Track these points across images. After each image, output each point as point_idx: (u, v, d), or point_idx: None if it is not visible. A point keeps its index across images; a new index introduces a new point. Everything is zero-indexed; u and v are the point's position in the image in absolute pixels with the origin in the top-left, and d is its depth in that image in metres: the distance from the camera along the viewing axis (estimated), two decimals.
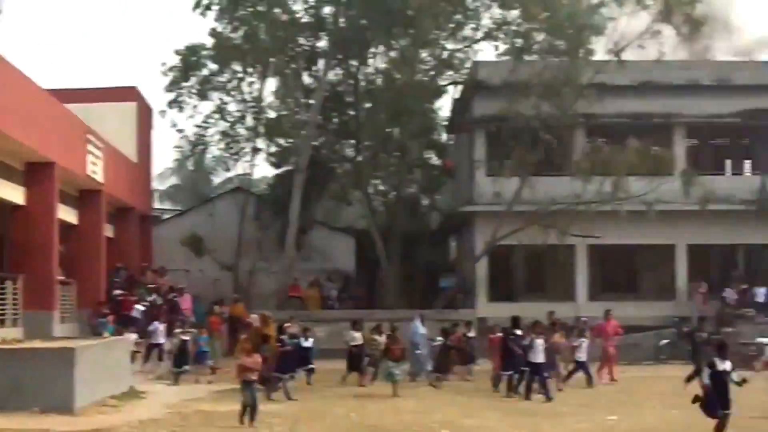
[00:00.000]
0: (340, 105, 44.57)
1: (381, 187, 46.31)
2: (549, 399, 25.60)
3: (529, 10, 36.97)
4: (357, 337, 30.04)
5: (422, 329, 31.11)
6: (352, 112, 44.21)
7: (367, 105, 43.15)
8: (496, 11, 40.71)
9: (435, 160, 47.34)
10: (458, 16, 41.46)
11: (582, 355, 29.48)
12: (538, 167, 38.31)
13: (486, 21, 41.38)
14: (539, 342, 26.55)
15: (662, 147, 38.77)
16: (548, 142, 37.17)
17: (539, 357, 26.39)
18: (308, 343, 28.79)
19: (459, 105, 43.70)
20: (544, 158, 38.41)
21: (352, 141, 44.73)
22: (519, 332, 27.33)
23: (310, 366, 28.65)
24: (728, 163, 45.08)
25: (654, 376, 31.83)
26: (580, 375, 29.33)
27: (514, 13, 39.26)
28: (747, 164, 44.69)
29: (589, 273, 40.64)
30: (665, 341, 37.70)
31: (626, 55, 37.21)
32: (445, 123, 46.94)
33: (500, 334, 29.20)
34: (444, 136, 48.15)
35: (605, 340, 31.02)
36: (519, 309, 36.79)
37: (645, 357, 36.10)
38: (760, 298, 39.11)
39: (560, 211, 36.53)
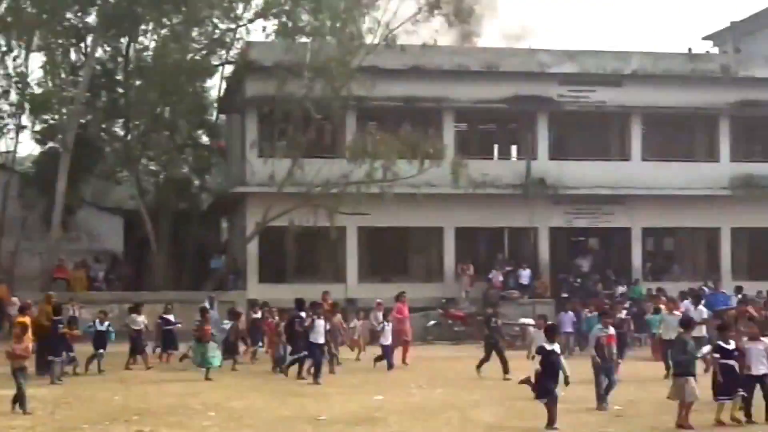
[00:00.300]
0: (109, 83, 43.57)
1: (151, 167, 45.58)
2: (317, 382, 25.62)
3: None
4: (139, 320, 29.56)
5: (212, 312, 30.79)
6: (121, 90, 43.28)
7: (138, 83, 42.28)
8: None
9: (206, 140, 46.87)
10: None
11: (386, 339, 29.42)
12: (310, 149, 38.36)
13: (257, 0, 41.20)
14: (320, 323, 26.29)
15: (433, 130, 39.25)
16: (320, 123, 37.28)
17: (320, 338, 26.20)
18: (103, 327, 28.17)
19: (231, 85, 43.39)
20: (316, 140, 38.50)
21: (122, 120, 43.80)
22: (303, 314, 27.03)
23: (101, 351, 27.87)
24: (496, 147, 46.09)
25: (422, 356, 32.29)
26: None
27: None
28: (514, 149, 45.79)
29: (360, 255, 40.96)
30: (433, 322, 38.40)
31: (398, 40, 37.52)
32: (218, 103, 46.50)
33: (277, 318, 29.26)
34: (216, 116, 47.70)
35: (399, 323, 30.75)
36: (290, 290, 36.94)
37: (413, 338, 36.47)
38: (524, 280, 40.29)
39: (330, 193, 36.68)
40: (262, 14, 40.92)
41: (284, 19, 39.30)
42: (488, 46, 43.33)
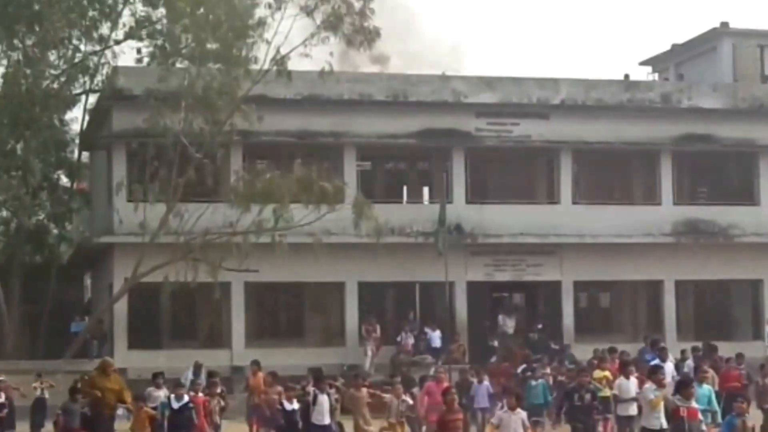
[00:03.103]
0: None
1: (1, 213, 45.24)
2: None
3: (175, 7, 36.81)
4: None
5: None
6: None
7: None
8: (139, 7, 40.65)
9: (66, 181, 46.62)
10: (94, 13, 41.10)
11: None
12: (189, 191, 38.18)
13: (127, 19, 41.28)
14: (323, 399, 25.27)
15: (332, 170, 39.36)
16: (200, 162, 37.25)
17: (325, 418, 25.22)
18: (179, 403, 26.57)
19: (96, 117, 43.22)
20: (196, 181, 38.41)
21: None
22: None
23: None
24: (405, 189, 46.20)
25: None
26: None
27: (160, 11, 39.25)
28: (425, 191, 45.97)
29: (248, 315, 40.93)
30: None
31: (290, 65, 37.69)
32: (80, 138, 46.26)
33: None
34: (78, 154, 47.46)
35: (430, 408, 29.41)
36: (165, 357, 36.94)
37: None
38: (436, 343, 40.40)
39: (213, 243, 36.64)
40: (132, 35, 40.95)
41: (160, 40, 39.33)
42: (394, 73, 43.64)
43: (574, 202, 43.35)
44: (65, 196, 46.24)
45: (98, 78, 43.21)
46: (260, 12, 37.73)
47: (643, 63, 54.54)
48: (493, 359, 39.91)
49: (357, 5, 36.33)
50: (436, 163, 44.27)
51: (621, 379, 26.79)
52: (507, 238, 41.92)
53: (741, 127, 44.13)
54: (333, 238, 38.35)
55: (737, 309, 46.00)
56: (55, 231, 46.62)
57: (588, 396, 25.58)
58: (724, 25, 48.73)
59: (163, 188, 38.05)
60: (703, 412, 21.77)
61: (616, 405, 26.83)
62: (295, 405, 25.75)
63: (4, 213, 45.42)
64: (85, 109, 45.13)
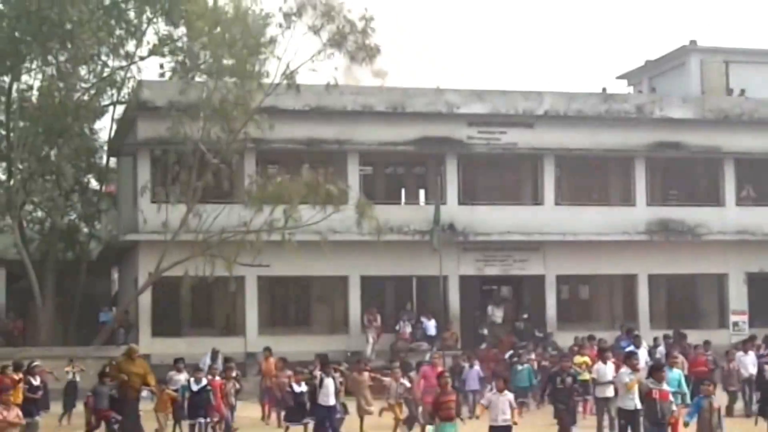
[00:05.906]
0: None
1: (36, 214, 45.16)
2: None
3: (194, 26, 36.86)
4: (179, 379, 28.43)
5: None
6: (3, 132, 42.87)
7: (21, 124, 41.89)
8: (162, 27, 40.63)
9: (96, 185, 46.57)
10: (120, 31, 41.06)
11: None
12: (206, 194, 38.17)
13: (151, 37, 41.26)
14: (329, 382, 25.63)
15: (337, 174, 39.30)
16: (217, 167, 37.19)
17: (330, 399, 25.58)
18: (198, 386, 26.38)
19: (122, 126, 43.14)
20: (213, 184, 38.36)
21: (4, 163, 43.36)
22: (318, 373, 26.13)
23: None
24: (403, 192, 46.22)
25: None
26: None
27: (181, 30, 39.25)
28: (422, 193, 45.95)
29: (260, 306, 40.87)
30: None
31: (299, 79, 37.68)
32: (108, 145, 46.21)
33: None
34: (107, 160, 47.41)
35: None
36: (185, 344, 36.96)
37: None
38: (431, 331, 40.37)
39: (228, 240, 36.60)
40: (156, 51, 40.92)
41: (181, 56, 39.33)
42: (393, 86, 43.63)
43: (556, 203, 43.24)
44: (95, 198, 46.11)
45: (124, 91, 43.16)
46: (272, 31, 38.16)
47: (620, 77, 54.45)
48: (483, 346, 39.80)
49: (359, 25, 36.37)
50: (432, 168, 44.15)
51: (599, 364, 26.98)
52: (495, 236, 41.83)
53: (708, 135, 44.02)
54: (337, 236, 38.39)
55: (704, 300, 45.95)
56: (86, 230, 46.43)
57: (569, 379, 25.73)
58: (693, 43, 48.66)
59: (183, 191, 38.05)
60: (674, 394, 21.85)
61: (595, 387, 27.11)
62: (304, 387, 26.12)
63: (40, 213, 45.28)
64: (112, 119, 45.04)
